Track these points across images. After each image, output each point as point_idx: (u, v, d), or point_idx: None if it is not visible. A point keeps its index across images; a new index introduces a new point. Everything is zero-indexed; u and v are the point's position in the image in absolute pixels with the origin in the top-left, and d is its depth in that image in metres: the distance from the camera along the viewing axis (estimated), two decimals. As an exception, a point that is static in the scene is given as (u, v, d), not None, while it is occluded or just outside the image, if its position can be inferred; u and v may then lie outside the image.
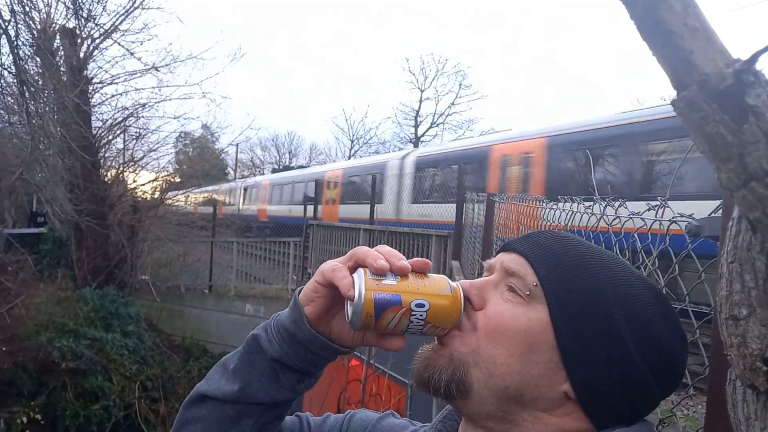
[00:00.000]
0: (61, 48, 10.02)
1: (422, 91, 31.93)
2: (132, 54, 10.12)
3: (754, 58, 0.43)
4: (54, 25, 9.91)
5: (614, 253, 0.81)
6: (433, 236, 7.80)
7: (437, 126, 32.43)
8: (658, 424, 1.01)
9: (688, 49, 0.46)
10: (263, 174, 35.26)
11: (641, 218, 1.17)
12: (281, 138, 42.66)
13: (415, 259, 0.69)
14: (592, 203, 1.63)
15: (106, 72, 10.65)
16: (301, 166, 31.22)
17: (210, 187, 29.50)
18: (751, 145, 0.44)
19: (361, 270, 0.66)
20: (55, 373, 8.13)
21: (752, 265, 0.50)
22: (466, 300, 0.67)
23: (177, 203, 13.78)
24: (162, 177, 13.07)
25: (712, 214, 0.88)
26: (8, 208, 12.94)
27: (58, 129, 8.68)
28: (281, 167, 34.81)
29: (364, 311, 0.64)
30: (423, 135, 32.43)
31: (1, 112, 9.93)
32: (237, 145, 24.36)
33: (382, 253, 0.67)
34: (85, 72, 10.20)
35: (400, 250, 0.69)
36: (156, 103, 11.05)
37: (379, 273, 0.65)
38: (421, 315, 0.65)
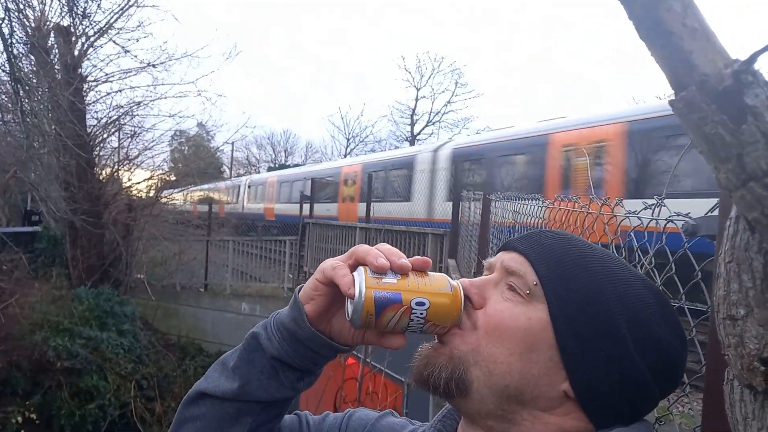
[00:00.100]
0: (56, 46, 9.96)
1: (418, 90, 31.97)
2: (127, 52, 10.09)
3: (753, 58, 0.43)
4: (48, 22, 9.86)
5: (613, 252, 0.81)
6: (430, 234, 7.81)
7: (433, 124, 32.47)
8: (655, 422, 1.02)
9: (687, 50, 0.46)
10: (259, 172, 35.14)
11: (638, 217, 1.17)
12: (277, 136, 42.64)
13: (416, 257, 0.69)
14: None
15: (101, 70, 10.62)
16: (296, 164, 31.01)
17: (209, 185, 29.22)
18: (750, 145, 0.44)
19: (361, 268, 0.66)
20: (50, 373, 8.11)
21: (750, 265, 0.50)
22: (466, 298, 0.67)
23: (173, 201, 13.74)
24: (157, 175, 13.04)
25: (709, 213, 0.89)
26: (2, 206, 12.88)
27: (53, 127, 8.64)
28: (277, 165, 34.72)
29: (364, 309, 0.64)
30: (419, 133, 32.45)
31: (-5, 110, 9.88)
32: (233, 143, 24.23)
33: (383, 252, 0.67)
34: (80, 70, 10.16)
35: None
36: (151, 101, 11.03)
37: (379, 271, 0.65)
38: (421, 313, 0.65)
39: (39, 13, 9.70)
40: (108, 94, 10.88)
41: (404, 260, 0.67)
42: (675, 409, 1.23)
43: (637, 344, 0.61)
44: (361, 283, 0.64)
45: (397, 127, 33.33)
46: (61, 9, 9.79)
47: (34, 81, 8.70)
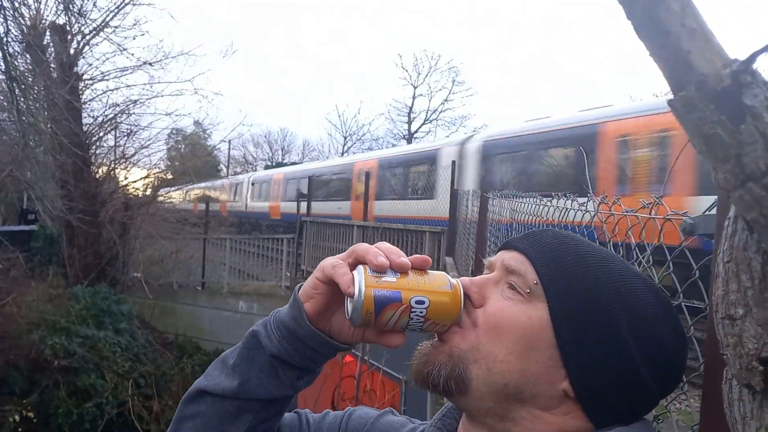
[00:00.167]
0: (51, 44, 9.93)
1: (415, 88, 31.92)
2: (124, 50, 10.07)
3: (752, 58, 0.43)
4: (44, 21, 9.82)
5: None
6: (427, 232, 7.81)
7: (430, 122, 32.45)
8: (653, 420, 1.02)
9: (685, 50, 0.46)
10: (256, 170, 35.02)
11: (636, 215, 1.17)
12: (274, 134, 42.56)
13: (415, 255, 0.69)
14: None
15: (97, 68, 10.60)
16: (293, 162, 30.86)
17: (211, 183, 28.80)
18: (749, 145, 0.44)
19: (361, 267, 0.66)
20: (47, 371, 8.10)
21: (748, 264, 0.50)
22: (466, 297, 0.67)
23: (170, 200, 13.71)
24: (154, 174, 13.01)
25: (707, 212, 0.89)
26: (-2, 205, 12.85)
27: (49, 126, 8.62)
28: (274, 164, 34.62)
29: (364, 308, 0.64)
30: (416, 131, 32.43)
31: (-9, 108, 9.84)
32: (229, 141, 23.94)
33: (382, 250, 0.67)
34: (76, 68, 10.13)
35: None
36: (147, 99, 11.02)
37: (379, 270, 0.65)
38: (421, 312, 0.65)
39: (34, 12, 9.67)
40: (104, 92, 10.89)
41: (404, 259, 0.67)
42: (672, 406, 1.24)
43: (637, 343, 0.61)
44: (360, 281, 0.64)
45: (394, 125, 33.31)
46: (56, 7, 9.77)
47: (30, 79, 8.67)
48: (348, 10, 58.59)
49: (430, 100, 32.23)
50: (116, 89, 10.83)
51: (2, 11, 6.91)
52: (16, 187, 12.73)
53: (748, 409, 0.52)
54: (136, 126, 11.54)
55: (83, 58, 10.36)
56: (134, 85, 10.86)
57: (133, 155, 11.99)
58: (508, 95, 49.97)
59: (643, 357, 0.61)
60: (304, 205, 12.53)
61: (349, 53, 57.42)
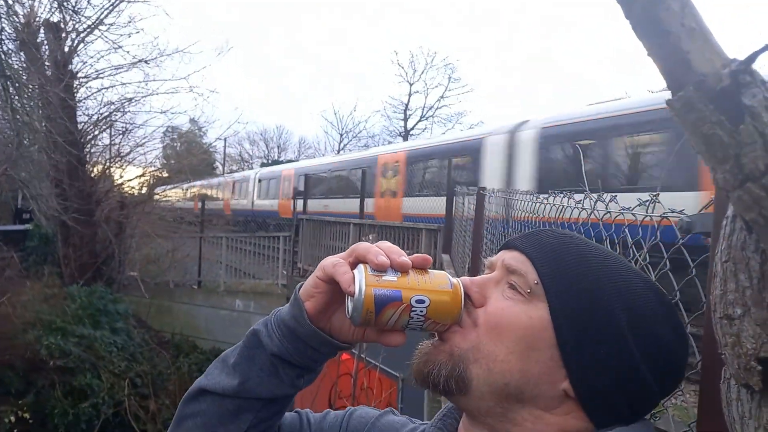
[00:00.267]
0: (46, 42, 9.88)
1: (411, 85, 31.88)
2: (119, 48, 10.02)
3: (751, 58, 0.43)
4: (38, 18, 9.77)
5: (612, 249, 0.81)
6: (423, 230, 7.81)
7: (426, 119, 32.43)
8: (650, 417, 1.02)
9: (685, 50, 0.45)
10: (252, 168, 34.90)
11: (632, 213, 1.17)
12: (270, 132, 42.47)
13: (416, 255, 0.69)
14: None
15: (92, 66, 10.57)
16: (289, 160, 30.65)
17: (212, 180, 28.22)
18: (748, 146, 0.43)
19: (361, 266, 0.66)
20: (43, 372, 8.07)
21: (747, 264, 0.50)
22: (467, 297, 0.67)
23: (166, 198, 13.68)
24: (149, 172, 12.97)
25: (703, 210, 0.89)
26: (-7, 204, 12.79)
27: (44, 124, 8.57)
28: (270, 161, 34.52)
29: (364, 307, 0.64)
30: (412, 128, 32.42)
31: (-15, 107, 9.78)
32: (225, 139, 23.73)
33: (383, 249, 0.67)
34: (70, 66, 10.10)
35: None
36: (143, 97, 10.98)
37: (379, 269, 0.65)
38: (421, 311, 0.65)
39: (28, 9, 9.62)
40: (99, 90, 10.85)
41: (404, 258, 0.67)
42: (668, 402, 1.24)
43: (637, 343, 0.61)
44: (361, 280, 0.64)
45: (391, 122, 33.29)
46: (50, 4, 9.72)
47: (24, 78, 8.62)
48: (348, 10, 58.55)
49: (426, 97, 32.24)
50: (111, 87, 10.81)
51: (-5, 9, 6.87)
52: (10, 186, 12.66)
53: (747, 408, 0.52)
54: (132, 124, 11.52)
55: (78, 55, 10.34)
56: (129, 83, 10.84)
57: (128, 153, 11.98)
58: (508, 95, 49.91)
59: (644, 356, 0.61)
60: (309, 202, 11.99)
61: (349, 53, 57.39)
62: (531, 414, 0.64)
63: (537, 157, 9.22)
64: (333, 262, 0.68)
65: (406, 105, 32.37)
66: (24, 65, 9.18)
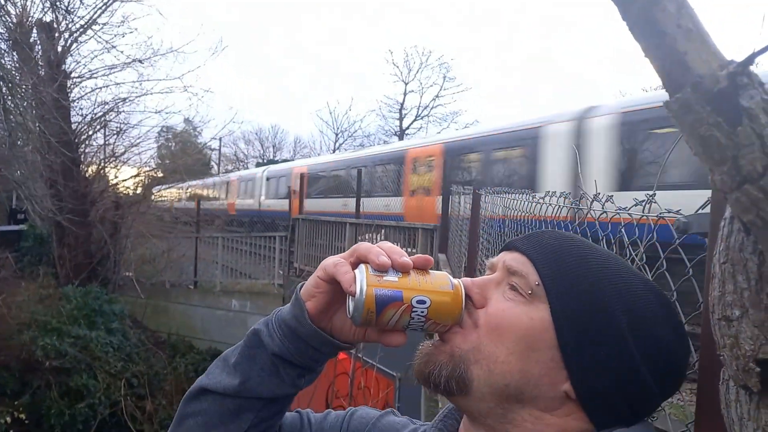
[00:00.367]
0: (39, 42, 9.83)
1: (406, 84, 31.88)
2: (112, 47, 9.98)
3: (749, 60, 0.43)
4: (30, 18, 9.72)
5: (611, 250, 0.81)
6: (420, 229, 7.82)
7: (421, 119, 32.43)
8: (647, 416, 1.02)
9: (681, 51, 0.45)
10: (248, 168, 34.77)
11: (628, 213, 1.17)
12: (265, 131, 42.39)
13: (417, 255, 0.69)
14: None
15: (85, 66, 10.51)
16: (285, 159, 30.47)
17: (215, 179, 27.74)
18: (745, 147, 0.43)
19: (362, 266, 0.66)
20: (38, 372, 8.04)
21: (745, 266, 0.50)
22: (468, 298, 0.67)
23: (162, 198, 13.63)
24: (144, 172, 12.93)
25: (700, 210, 0.89)
26: (-13, 205, 12.73)
27: (37, 125, 8.53)
28: (266, 161, 34.42)
29: (365, 307, 0.64)
30: (408, 128, 32.41)
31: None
32: (220, 139, 23.59)
33: (384, 250, 0.67)
34: (64, 66, 10.04)
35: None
36: (137, 97, 10.94)
37: (380, 269, 0.65)
38: (422, 311, 0.65)
39: (20, 9, 9.57)
40: (93, 90, 10.80)
41: (406, 258, 0.67)
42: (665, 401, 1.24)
43: (638, 344, 0.61)
44: (362, 280, 0.64)
45: (386, 121, 33.27)
46: (43, 4, 9.67)
47: (17, 78, 8.58)
48: (348, 10, 58.67)
49: (421, 97, 32.24)
50: (105, 87, 10.76)
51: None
52: (4, 187, 12.61)
53: (745, 410, 0.52)
54: (126, 124, 11.47)
55: (71, 55, 10.29)
56: (123, 83, 10.79)
57: (122, 154, 11.93)
58: (508, 95, 49.98)
59: (644, 358, 0.61)
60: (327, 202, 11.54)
61: (349, 53, 57.42)
62: (531, 415, 0.64)
63: (615, 148, 7.83)
64: (334, 262, 0.68)
65: (402, 104, 32.38)
66: (17, 65, 9.14)
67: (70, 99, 10.40)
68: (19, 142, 8.83)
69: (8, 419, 7.75)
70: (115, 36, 10.04)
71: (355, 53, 57.49)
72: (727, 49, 0.46)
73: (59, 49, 9.92)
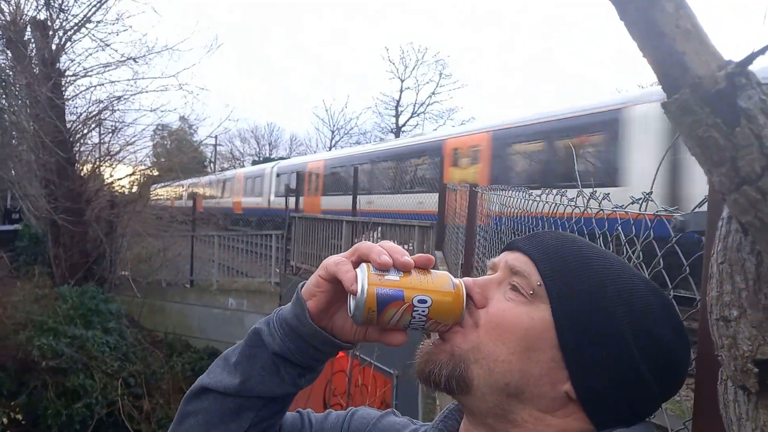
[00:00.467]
0: (33, 40, 9.78)
1: (402, 81, 31.86)
2: (107, 46, 9.93)
3: (749, 60, 0.43)
4: (24, 16, 9.66)
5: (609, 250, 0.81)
6: (416, 227, 7.81)
7: (418, 116, 32.42)
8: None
9: (680, 52, 0.45)
10: (243, 165, 34.63)
11: (626, 212, 1.17)
12: (261, 129, 42.32)
13: (418, 255, 0.69)
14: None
15: (80, 64, 10.46)
16: (281, 157, 30.26)
17: (218, 176, 26.68)
18: (744, 148, 0.43)
19: (364, 265, 0.66)
20: (35, 372, 8.02)
21: (742, 266, 0.50)
22: (469, 297, 0.67)
23: (157, 197, 13.59)
24: (139, 171, 12.89)
25: (696, 209, 0.89)
26: (-19, 205, 12.66)
27: (31, 123, 8.49)
28: (261, 159, 34.34)
29: (366, 306, 0.64)
30: (404, 125, 32.40)
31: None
32: (216, 137, 23.46)
33: (386, 249, 0.67)
34: (58, 65, 9.99)
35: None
36: (132, 95, 10.88)
37: (382, 268, 0.65)
38: (423, 311, 0.65)
39: (14, 7, 9.52)
40: (87, 88, 10.73)
41: (407, 257, 0.67)
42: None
43: (639, 345, 0.62)
44: (363, 279, 0.64)
45: (382, 118, 33.26)
46: (37, 2, 9.62)
47: (11, 76, 8.53)
48: (350, 11, 58.82)
49: (417, 94, 32.22)
50: (100, 85, 10.70)
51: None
52: (-1, 186, 12.57)
53: (744, 410, 0.52)
54: (121, 122, 11.42)
55: (65, 53, 10.23)
56: (118, 81, 10.74)
57: (118, 152, 11.87)
58: (509, 95, 50.09)
59: (645, 358, 0.62)
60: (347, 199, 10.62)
61: (350, 54, 57.42)
62: (531, 415, 0.64)
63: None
64: (336, 261, 0.68)
65: (398, 101, 32.37)
66: (11, 64, 9.09)
67: (65, 97, 10.35)
68: (13, 141, 8.79)
69: (5, 420, 7.74)
70: (110, 34, 10.00)
71: (356, 54, 57.61)
72: (725, 49, 0.46)
73: (53, 47, 9.87)
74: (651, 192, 1.09)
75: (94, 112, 10.95)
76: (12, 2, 9.46)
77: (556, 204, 1.84)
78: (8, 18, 9.38)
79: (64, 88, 10.30)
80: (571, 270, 0.64)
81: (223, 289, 11.14)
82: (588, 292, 0.63)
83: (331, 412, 0.85)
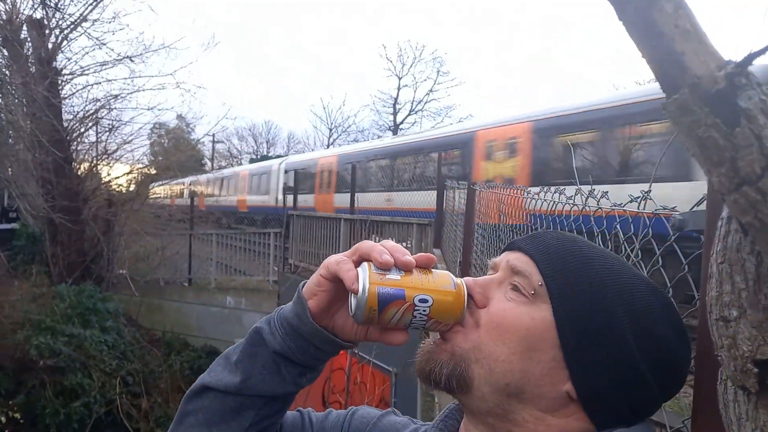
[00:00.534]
0: (29, 39, 9.74)
1: (400, 79, 31.82)
2: (103, 45, 9.89)
3: (749, 60, 0.42)
4: (20, 15, 9.63)
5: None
6: (414, 225, 7.81)
7: (416, 113, 32.39)
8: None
9: (679, 51, 0.45)
10: (241, 164, 34.53)
11: (624, 210, 1.17)
12: (258, 127, 42.25)
13: (420, 254, 0.69)
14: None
15: (76, 63, 10.42)
16: (278, 155, 30.08)
17: (220, 174, 25.76)
18: (744, 149, 0.43)
19: (365, 264, 0.66)
20: (33, 372, 8.00)
21: (742, 266, 0.50)
22: (469, 297, 0.67)
23: (156, 195, 13.56)
24: (137, 169, 12.87)
25: (695, 208, 0.89)
26: (-22, 204, 12.63)
27: (28, 122, 8.46)
28: (259, 157, 34.28)
29: (367, 305, 0.64)
30: (402, 122, 32.37)
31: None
32: (213, 135, 23.32)
33: (387, 248, 0.67)
34: (54, 63, 9.95)
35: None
36: (129, 94, 10.84)
37: (383, 267, 0.65)
38: (424, 310, 0.65)
39: (10, 6, 9.48)
40: (84, 87, 10.69)
41: (408, 257, 0.67)
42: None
43: (639, 345, 0.62)
44: (364, 278, 0.64)
45: (380, 116, 33.21)
46: (32, 1, 9.58)
47: (8, 75, 8.50)
48: (348, 10, 58.72)
49: (415, 91, 32.18)
50: (97, 84, 10.67)
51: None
52: (-4, 186, 12.53)
53: (743, 410, 0.52)
54: (118, 121, 11.39)
55: (62, 52, 10.19)
56: (115, 80, 10.70)
57: (115, 151, 11.84)
58: (508, 95, 50.00)
59: (646, 359, 0.62)
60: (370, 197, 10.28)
61: (349, 53, 57.38)
62: (532, 415, 0.64)
63: None
64: (337, 260, 0.68)
65: (395, 99, 32.33)
66: (7, 63, 9.06)
67: (62, 96, 10.32)
68: (10, 140, 8.77)
69: (3, 419, 7.73)
70: (106, 33, 9.97)
71: (355, 53, 57.63)
72: (725, 49, 0.46)
73: (50, 46, 9.83)
74: (648, 191, 1.08)
75: (91, 111, 10.93)
76: (8, 1, 9.43)
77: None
78: (4, 17, 9.35)
79: (60, 87, 10.27)
80: (573, 270, 0.64)
81: (221, 288, 11.13)
82: (589, 292, 0.63)
83: (331, 412, 0.86)
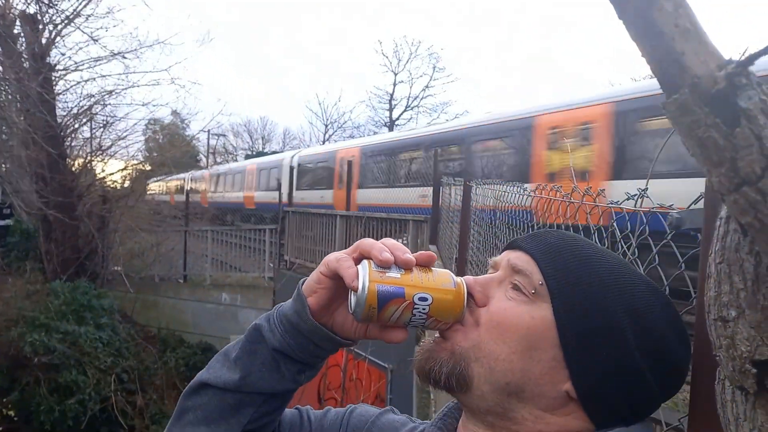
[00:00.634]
0: (22, 34, 9.68)
1: (396, 74, 31.78)
2: (96, 40, 9.83)
3: (750, 60, 0.42)
4: (13, 10, 9.56)
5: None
6: (410, 221, 7.82)
7: (411, 109, 32.37)
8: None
9: (679, 51, 0.45)
10: (237, 160, 34.41)
11: (621, 208, 1.17)
12: (254, 123, 42.15)
13: (420, 252, 0.69)
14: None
15: (70, 58, 10.36)
16: (274, 151, 29.93)
17: (224, 169, 25.15)
18: (744, 149, 0.43)
19: (365, 262, 0.66)
20: (27, 369, 7.98)
21: (741, 266, 0.50)
22: (470, 296, 0.67)
23: (151, 191, 13.52)
24: (132, 165, 12.82)
25: (692, 206, 0.89)
26: (-29, 200, 12.55)
27: (22, 118, 8.41)
28: (255, 153, 34.17)
29: (367, 303, 0.64)
30: (398, 118, 32.35)
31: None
32: (209, 131, 23.22)
33: (387, 246, 0.67)
34: (48, 59, 9.89)
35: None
36: (123, 89, 10.80)
37: (383, 265, 0.65)
38: (423, 308, 0.65)
39: (3, 1, 9.41)
40: (78, 83, 10.64)
41: (408, 255, 0.67)
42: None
43: (639, 345, 0.62)
44: (364, 276, 0.64)
45: (376, 112, 33.17)
46: (26, -4, 9.50)
47: (1, 70, 8.44)
48: (348, 10, 58.73)
49: (410, 87, 32.16)
50: (91, 80, 10.61)
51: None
52: (-11, 181, 12.45)
53: (741, 410, 0.52)
54: (113, 117, 11.34)
55: (56, 47, 10.13)
56: (109, 75, 10.65)
57: (109, 147, 11.79)
58: (508, 95, 49.99)
59: (646, 358, 0.62)
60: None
61: (349, 53, 57.33)
62: (531, 414, 0.65)
63: None
64: (337, 257, 0.68)
65: (391, 95, 32.29)
66: (0, 59, 9.00)
67: (56, 92, 10.26)
68: (3, 137, 8.71)
69: (-3, 416, 7.71)
70: (100, 28, 9.91)
71: (355, 53, 57.62)
72: (725, 49, 0.45)
73: (43, 41, 9.77)
74: (646, 189, 1.08)
75: (85, 107, 10.88)
76: (1, -5, 9.36)
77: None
78: (-3, 11, 9.28)
79: (54, 83, 10.21)
80: (573, 269, 0.64)
81: (216, 284, 11.12)
82: (589, 291, 0.63)
83: (330, 410, 0.86)
